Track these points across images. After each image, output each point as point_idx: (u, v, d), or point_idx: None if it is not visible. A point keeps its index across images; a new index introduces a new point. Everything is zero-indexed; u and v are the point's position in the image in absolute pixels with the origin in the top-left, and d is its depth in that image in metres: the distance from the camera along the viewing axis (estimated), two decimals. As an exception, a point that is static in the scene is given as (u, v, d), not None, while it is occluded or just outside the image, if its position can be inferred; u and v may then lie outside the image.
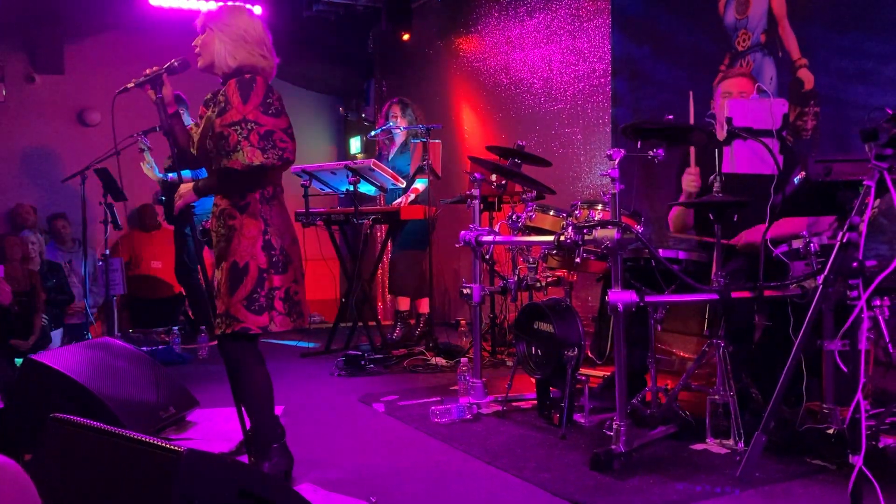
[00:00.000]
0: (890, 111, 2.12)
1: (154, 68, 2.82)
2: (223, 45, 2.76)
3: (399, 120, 5.78)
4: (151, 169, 5.87)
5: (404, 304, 6.01)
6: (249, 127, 2.64)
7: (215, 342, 2.96)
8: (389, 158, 5.91)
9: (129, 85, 2.83)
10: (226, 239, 2.78)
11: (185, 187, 2.87)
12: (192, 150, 2.93)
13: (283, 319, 2.77)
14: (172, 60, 2.83)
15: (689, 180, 3.61)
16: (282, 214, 2.83)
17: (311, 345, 5.80)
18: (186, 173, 5.15)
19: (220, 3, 6.84)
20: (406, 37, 7.34)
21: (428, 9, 7.19)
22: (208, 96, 2.94)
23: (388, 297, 6.73)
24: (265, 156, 2.65)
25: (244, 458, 2.90)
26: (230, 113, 2.67)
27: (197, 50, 2.84)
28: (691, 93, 3.53)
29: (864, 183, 2.17)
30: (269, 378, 2.87)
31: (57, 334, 5.93)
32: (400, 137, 5.88)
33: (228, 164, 2.66)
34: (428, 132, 5.46)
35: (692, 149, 3.61)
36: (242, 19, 2.80)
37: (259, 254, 2.73)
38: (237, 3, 2.91)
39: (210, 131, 2.74)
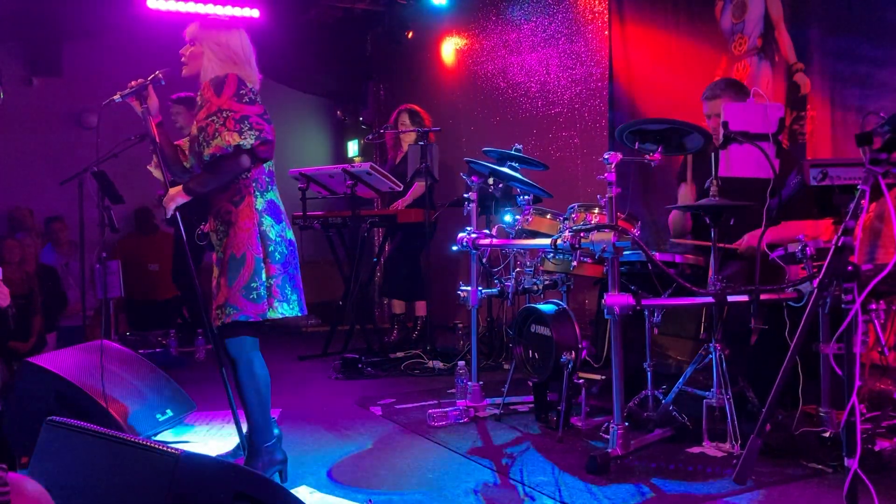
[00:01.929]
0: (884, 115, 2.13)
1: (139, 80, 2.89)
2: (211, 63, 2.87)
3: (409, 128, 5.79)
4: (158, 169, 5.86)
5: (399, 307, 6.01)
6: (225, 115, 2.74)
7: (211, 346, 2.97)
8: (397, 163, 5.91)
9: (115, 98, 2.89)
10: (224, 234, 2.85)
11: (174, 190, 2.88)
12: (184, 163, 3.02)
13: (282, 306, 2.83)
14: (157, 72, 2.91)
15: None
16: (275, 206, 2.91)
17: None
18: None
19: (214, 11, 6.90)
20: (410, 34, 7.34)
21: (426, 12, 7.20)
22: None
23: (386, 299, 6.73)
24: (242, 137, 2.73)
25: (240, 461, 2.90)
26: (206, 107, 2.78)
27: (184, 59, 2.93)
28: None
29: (859, 187, 2.18)
30: (268, 376, 2.89)
31: (51, 337, 5.92)
32: (406, 143, 5.88)
33: (210, 151, 2.74)
34: (426, 135, 5.47)
35: (689, 161, 3.67)
36: (234, 39, 2.90)
37: (255, 244, 2.79)
38: (229, 20, 2.99)
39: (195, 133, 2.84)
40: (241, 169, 2.79)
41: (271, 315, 2.80)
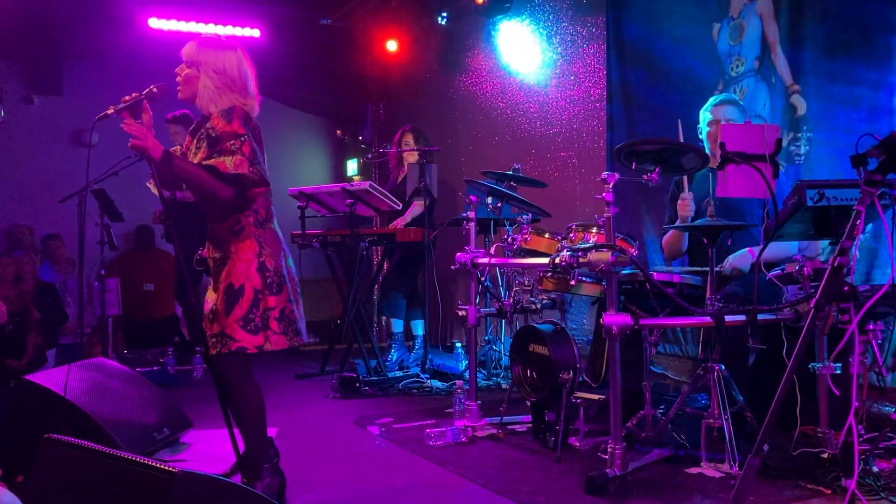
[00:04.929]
0: (878, 138, 2.15)
1: (133, 95, 2.79)
2: (207, 90, 2.81)
3: (411, 147, 5.81)
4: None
5: (397, 326, 6.00)
6: (242, 139, 2.71)
7: (208, 365, 2.95)
8: (399, 182, 5.93)
9: (109, 111, 2.77)
10: (222, 263, 2.82)
11: (155, 143, 2.69)
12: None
13: (278, 339, 2.79)
14: (152, 87, 2.81)
15: (683, 206, 3.66)
16: (275, 237, 2.88)
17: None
18: None
19: (215, 31, 6.94)
20: (394, 47, 7.38)
21: (425, 32, 7.26)
22: (192, 126, 2.98)
23: (384, 318, 6.72)
24: (251, 168, 2.70)
25: (237, 479, 2.89)
26: (223, 137, 2.72)
27: (179, 79, 2.87)
28: (679, 121, 3.58)
29: (855, 208, 2.19)
30: (261, 398, 2.88)
31: (51, 354, 5.90)
32: (409, 163, 5.90)
33: (214, 163, 2.69)
34: (427, 155, 5.50)
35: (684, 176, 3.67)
36: (231, 63, 2.84)
37: (254, 275, 2.77)
38: (228, 40, 2.91)
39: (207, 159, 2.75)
40: (220, 195, 2.72)
41: (268, 348, 2.78)
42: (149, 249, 7.29)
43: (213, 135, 2.76)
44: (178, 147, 3.03)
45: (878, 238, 3.60)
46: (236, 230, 2.80)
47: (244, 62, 2.89)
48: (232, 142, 2.71)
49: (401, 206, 5.55)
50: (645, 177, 3.14)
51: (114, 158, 4.86)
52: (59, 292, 6.55)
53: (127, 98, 2.79)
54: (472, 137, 6.87)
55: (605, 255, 2.93)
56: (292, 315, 2.85)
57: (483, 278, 4.01)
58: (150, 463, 1.80)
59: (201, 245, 2.99)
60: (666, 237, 4.01)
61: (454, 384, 4.07)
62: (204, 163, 2.72)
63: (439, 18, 6.82)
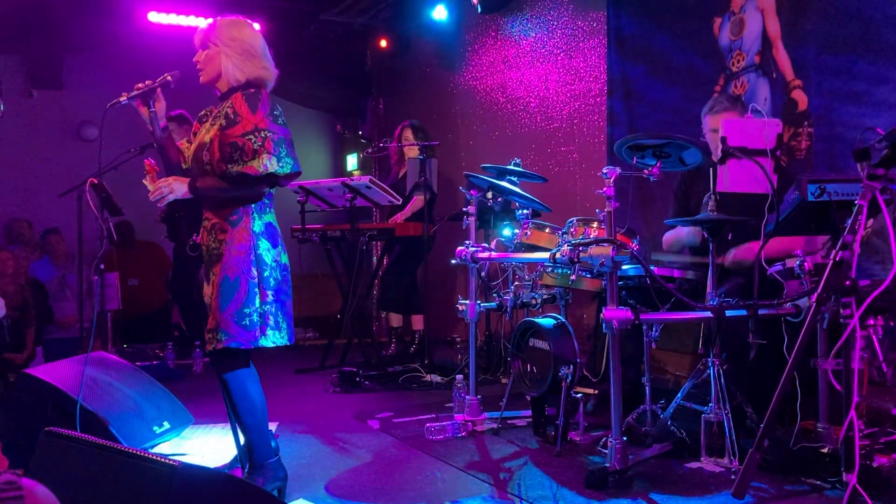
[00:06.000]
0: (881, 132, 2.15)
1: (147, 82, 2.78)
2: (230, 60, 2.76)
3: (412, 142, 5.81)
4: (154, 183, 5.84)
5: (397, 320, 6.00)
6: (263, 135, 2.65)
7: (209, 359, 2.93)
8: (400, 177, 5.92)
9: (122, 99, 2.77)
10: (217, 253, 2.75)
11: (177, 182, 2.74)
12: (182, 165, 2.90)
13: (274, 334, 2.74)
14: (166, 75, 2.79)
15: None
16: (273, 229, 2.82)
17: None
18: None
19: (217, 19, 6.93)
20: (384, 43, 7.38)
21: (425, 27, 7.25)
22: (202, 113, 2.93)
23: (384, 313, 6.72)
24: (280, 163, 2.67)
25: (237, 472, 2.89)
26: (242, 124, 2.67)
27: (199, 66, 2.81)
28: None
29: (857, 202, 2.19)
30: (262, 394, 2.84)
31: (37, 350, 5.90)
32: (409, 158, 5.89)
33: (243, 170, 2.64)
34: (428, 150, 5.49)
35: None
36: (247, 33, 2.81)
37: (249, 268, 2.70)
38: (237, 17, 2.87)
39: (216, 143, 2.69)
40: (258, 194, 2.73)
41: (263, 343, 2.71)
42: (129, 244, 7.25)
43: (232, 115, 2.69)
44: (185, 141, 3.00)
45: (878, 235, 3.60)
46: (234, 220, 2.73)
47: (257, 32, 2.85)
48: (252, 138, 2.64)
49: (401, 200, 5.54)
50: (646, 172, 3.13)
51: (112, 153, 4.85)
52: (58, 287, 6.55)
53: (140, 85, 2.77)
54: (472, 132, 6.86)
55: (606, 250, 2.93)
56: (285, 312, 2.80)
57: (483, 273, 4.00)
58: (150, 456, 1.80)
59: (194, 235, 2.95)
60: (669, 233, 4.00)
61: (454, 379, 4.07)
62: (233, 171, 2.65)
63: (439, 13, 6.80)
